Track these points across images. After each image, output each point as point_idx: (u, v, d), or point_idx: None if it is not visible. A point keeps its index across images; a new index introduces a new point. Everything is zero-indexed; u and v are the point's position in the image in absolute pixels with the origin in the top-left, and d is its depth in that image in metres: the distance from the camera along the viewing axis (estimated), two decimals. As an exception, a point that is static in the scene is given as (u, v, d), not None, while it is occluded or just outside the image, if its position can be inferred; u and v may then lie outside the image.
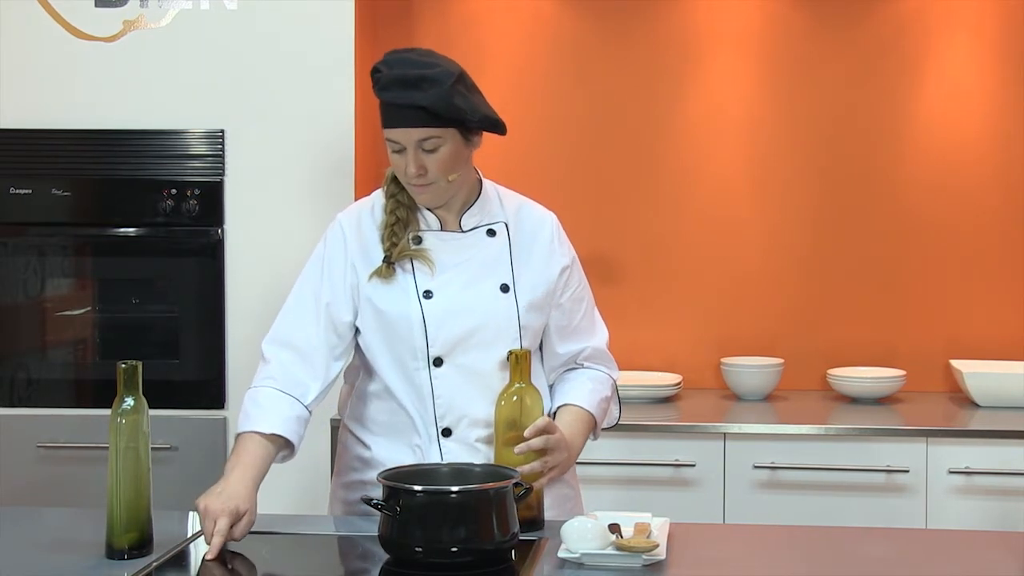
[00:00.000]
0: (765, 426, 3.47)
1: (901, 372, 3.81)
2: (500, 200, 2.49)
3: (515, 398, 2.29)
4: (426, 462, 2.36)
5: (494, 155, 3.95)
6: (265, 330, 3.59)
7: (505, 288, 2.41)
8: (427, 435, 2.40)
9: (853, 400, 3.79)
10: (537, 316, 2.45)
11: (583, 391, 2.49)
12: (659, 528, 2.20)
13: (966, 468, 3.37)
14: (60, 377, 3.58)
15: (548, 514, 2.36)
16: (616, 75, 3.99)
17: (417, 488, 2.06)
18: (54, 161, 3.54)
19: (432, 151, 2.32)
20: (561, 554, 2.08)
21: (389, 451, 2.43)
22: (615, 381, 2.59)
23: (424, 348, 2.38)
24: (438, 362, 2.39)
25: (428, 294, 2.39)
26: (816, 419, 3.54)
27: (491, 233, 2.45)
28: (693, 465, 3.45)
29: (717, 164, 4.00)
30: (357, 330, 2.45)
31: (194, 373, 3.51)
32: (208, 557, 2.12)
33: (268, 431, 2.32)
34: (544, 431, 2.28)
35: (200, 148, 3.51)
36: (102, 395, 3.45)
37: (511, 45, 4.01)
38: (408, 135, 2.30)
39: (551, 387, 2.54)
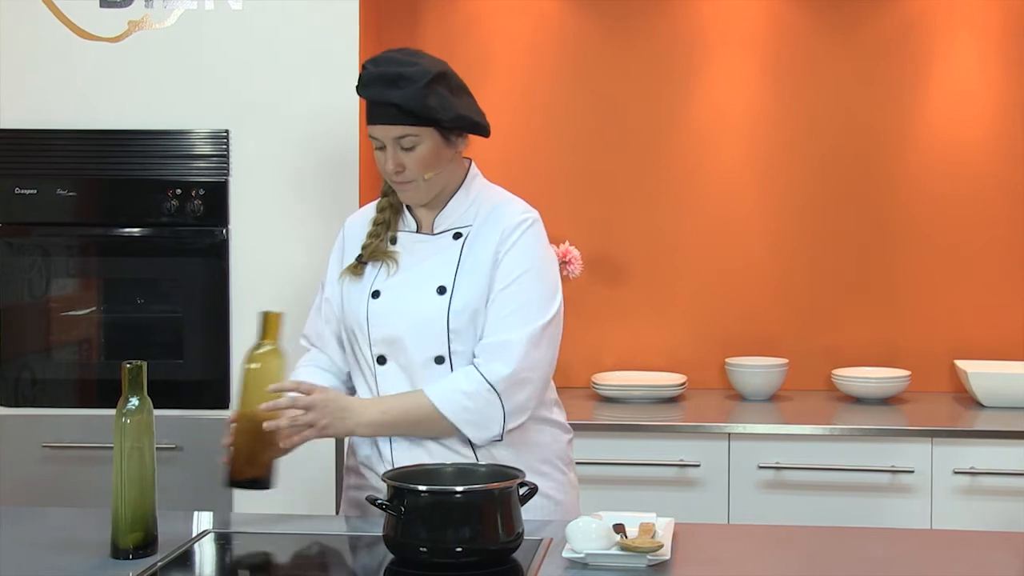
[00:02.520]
0: (770, 426, 3.46)
1: (906, 372, 3.81)
2: (479, 203, 2.48)
3: (256, 363, 2.33)
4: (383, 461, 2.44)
5: (498, 155, 3.96)
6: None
7: (442, 290, 2.42)
8: None
9: (858, 400, 3.79)
10: (470, 317, 2.40)
11: (440, 382, 2.38)
12: (664, 528, 2.20)
13: (971, 468, 3.37)
14: (65, 377, 3.58)
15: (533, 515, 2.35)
16: (620, 75, 3.99)
17: (422, 488, 2.06)
18: (59, 161, 3.54)
19: (410, 149, 2.37)
20: (566, 554, 2.08)
21: (361, 443, 2.51)
22: (486, 380, 2.36)
23: (368, 346, 2.45)
24: (381, 360, 2.45)
25: (376, 294, 2.45)
26: (821, 419, 3.54)
27: (457, 236, 2.46)
28: (697, 465, 3.45)
29: (721, 164, 4.00)
30: None
31: (199, 373, 3.51)
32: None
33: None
34: (296, 389, 2.33)
35: (205, 148, 3.51)
36: (107, 395, 3.44)
37: (515, 45, 4.01)
38: (386, 132, 2.36)
39: None
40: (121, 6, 3.51)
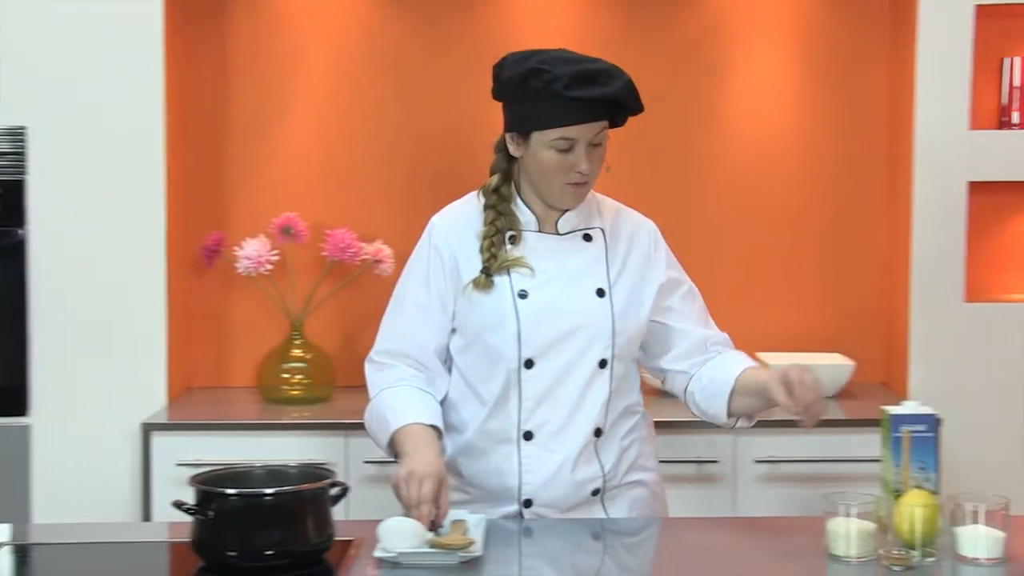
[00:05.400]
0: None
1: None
2: (598, 205, 2.49)
3: None
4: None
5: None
6: (72, 333, 3.50)
7: (601, 292, 2.41)
8: (505, 437, 2.39)
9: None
10: (632, 323, 2.43)
11: (746, 361, 2.48)
12: (476, 525, 2.22)
13: (771, 457, 3.48)
14: None
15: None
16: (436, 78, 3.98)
17: (230, 491, 2.03)
18: None
19: (598, 145, 2.34)
20: (377, 554, 2.09)
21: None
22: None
23: (516, 348, 2.36)
24: (529, 364, 2.37)
25: (523, 294, 2.37)
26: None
27: (587, 238, 2.45)
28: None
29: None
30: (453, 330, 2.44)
31: (-5, 378, 3.39)
32: (426, 527, 2.13)
33: (428, 422, 2.33)
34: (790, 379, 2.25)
35: (0, 145, 3.39)
36: None
37: (324, 45, 3.94)
38: (590, 130, 2.31)
39: (689, 390, 2.51)
40: (-93, -5, 3.36)
